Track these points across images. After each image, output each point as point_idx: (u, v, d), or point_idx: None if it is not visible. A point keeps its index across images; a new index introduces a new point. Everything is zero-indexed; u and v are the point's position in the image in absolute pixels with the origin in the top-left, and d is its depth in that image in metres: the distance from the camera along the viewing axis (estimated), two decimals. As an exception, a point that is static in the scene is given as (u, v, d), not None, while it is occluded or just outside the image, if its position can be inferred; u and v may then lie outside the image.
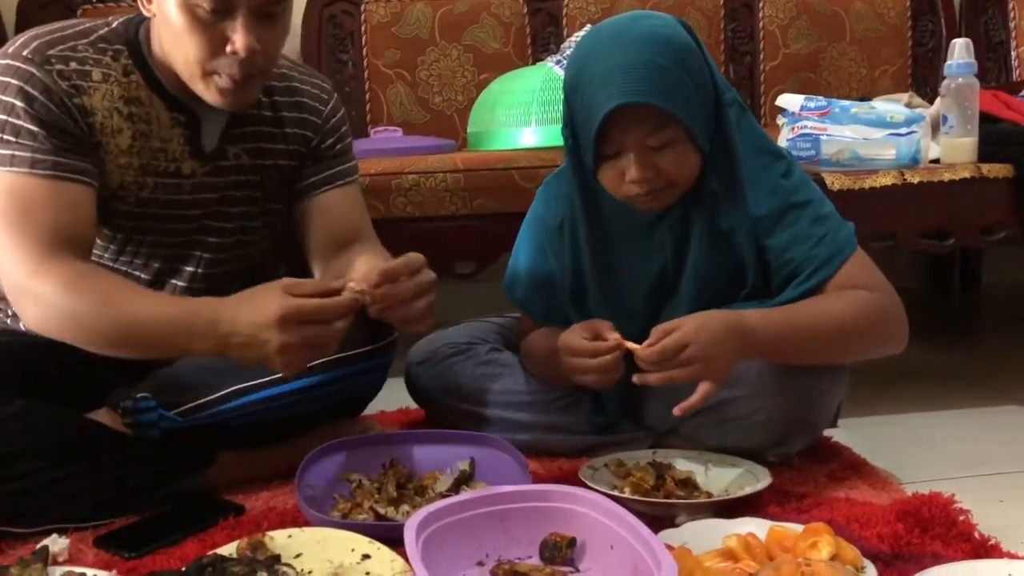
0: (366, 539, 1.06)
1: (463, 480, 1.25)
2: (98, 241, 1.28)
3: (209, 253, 1.35)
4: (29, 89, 1.17)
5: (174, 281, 1.35)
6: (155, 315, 1.13)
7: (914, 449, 1.50)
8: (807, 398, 1.29)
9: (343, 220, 1.41)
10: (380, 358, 1.38)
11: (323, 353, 1.17)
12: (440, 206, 1.80)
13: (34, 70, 1.18)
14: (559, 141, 1.35)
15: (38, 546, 1.08)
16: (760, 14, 2.59)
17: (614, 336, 1.22)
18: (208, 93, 1.21)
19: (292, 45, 2.40)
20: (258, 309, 1.09)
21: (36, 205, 1.16)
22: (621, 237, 1.34)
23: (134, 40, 1.27)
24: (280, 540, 1.06)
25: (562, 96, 1.28)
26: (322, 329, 1.11)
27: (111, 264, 1.31)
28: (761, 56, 2.59)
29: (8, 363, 1.22)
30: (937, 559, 1.02)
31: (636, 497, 1.20)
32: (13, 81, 1.18)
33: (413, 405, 1.63)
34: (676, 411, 1.18)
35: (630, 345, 1.19)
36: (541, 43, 2.52)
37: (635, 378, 1.18)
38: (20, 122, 1.17)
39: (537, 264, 1.43)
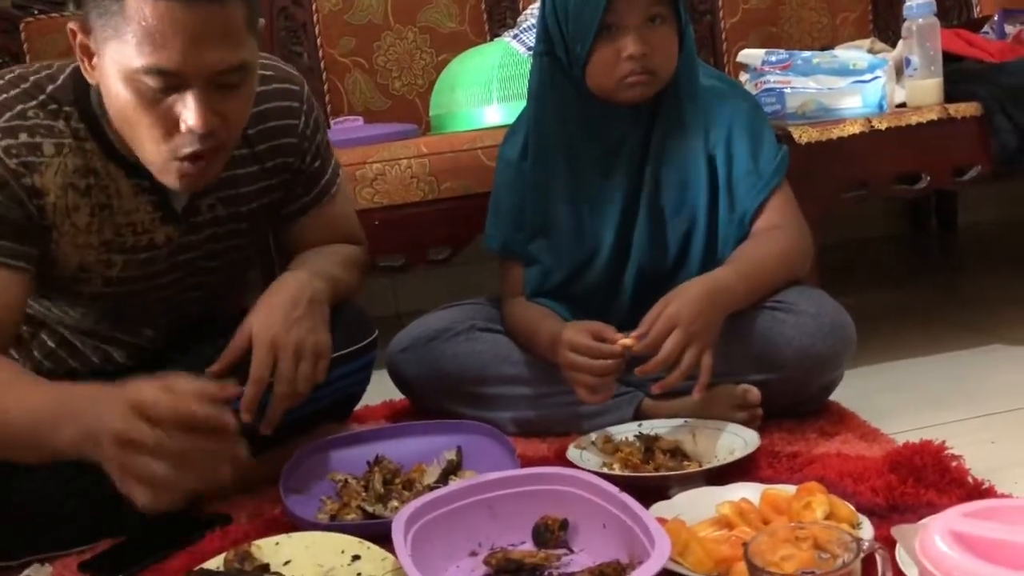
0: (356, 539, 1.04)
1: (451, 470, 1.24)
2: (72, 317, 1.22)
3: (199, 301, 1.28)
4: None
5: (166, 328, 1.29)
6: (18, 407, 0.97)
7: (902, 396, 1.49)
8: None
9: (334, 237, 1.37)
10: (362, 358, 1.36)
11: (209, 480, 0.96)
12: (408, 193, 1.76)
13: None
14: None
15: (20, 576, 1.06)
16: (716, -30, 2.55)
17: (621, 341, 1.25)
18: (168, 179, 1.09)
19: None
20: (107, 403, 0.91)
21: None
22: (588, 153, 1.40)
23: (84, 98, 1.12)
24: (268, 548, 1.04)
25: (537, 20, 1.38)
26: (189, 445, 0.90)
27: (93, 338, 1.26)
28: (721, 14, 2.55)
29: None
30: (932, 508, 1.01)
31: (626, 473, 1.18)
32: None
33: (396, 397, 1.61)
34: (656, 389, 1.24)
35: (624, 341, 1.24)
36: (497, 18, 2.47)
37: (636, 371, 1.23)
38: None
39: (510, 202, 1.48)
